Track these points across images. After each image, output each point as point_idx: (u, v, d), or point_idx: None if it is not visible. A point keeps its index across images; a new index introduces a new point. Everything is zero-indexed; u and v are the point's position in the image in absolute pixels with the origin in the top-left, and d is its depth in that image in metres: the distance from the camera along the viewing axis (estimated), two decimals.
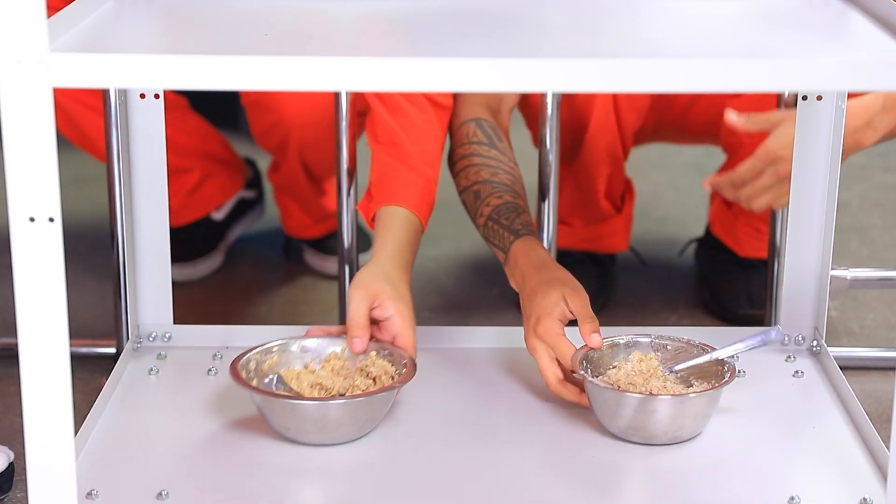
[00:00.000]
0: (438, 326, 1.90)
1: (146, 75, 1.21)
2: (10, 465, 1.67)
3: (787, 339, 1.81)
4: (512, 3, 1.52)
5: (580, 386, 1.63)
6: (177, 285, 1.92)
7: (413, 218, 1.75)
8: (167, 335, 1.82)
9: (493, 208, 1.78)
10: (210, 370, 1.74)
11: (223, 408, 1.64)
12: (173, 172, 2.34)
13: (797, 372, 1.76)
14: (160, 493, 1.44)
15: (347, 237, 1.95)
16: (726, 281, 2.27)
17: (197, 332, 1.82)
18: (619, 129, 2.15)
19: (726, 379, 1.58)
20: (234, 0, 1.52)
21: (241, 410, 1.63)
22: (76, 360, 1.76)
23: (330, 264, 2.43)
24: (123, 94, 1.75)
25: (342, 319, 1.93)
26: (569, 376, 1.64)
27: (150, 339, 1.82)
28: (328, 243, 2.44)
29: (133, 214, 1.80)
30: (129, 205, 1.79)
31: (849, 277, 1.91)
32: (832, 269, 1.81)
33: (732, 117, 1.81)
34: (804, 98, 1.74)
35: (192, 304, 2.29)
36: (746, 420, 1.63)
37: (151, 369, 1.74)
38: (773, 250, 1.97)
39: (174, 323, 1.83)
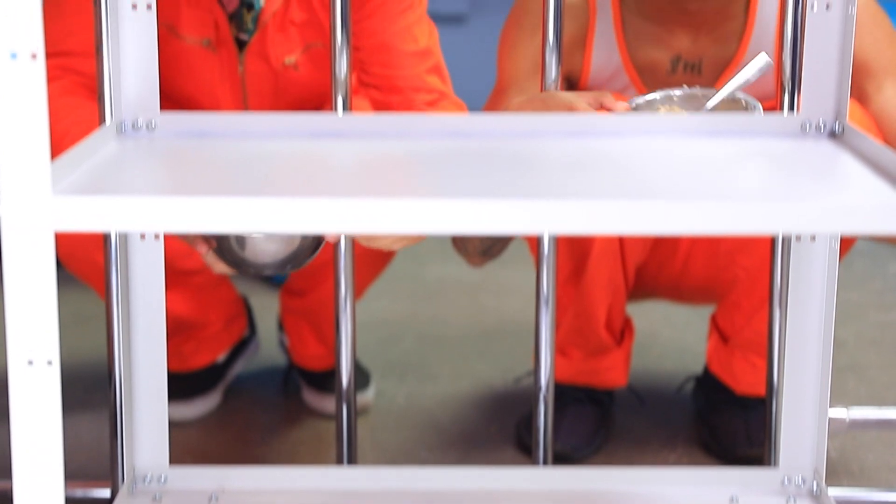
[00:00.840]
0: (437, 467, 1.88)
1: (150, 218, 1.22)
2: None
3: (787, 480, 1.80)
4: (509, 143, 1.54)
5: None
6: (173, 425, 1.92)
7: None
8: (163, 477, 1.81)
9: None
10: None
11: None
12: (186, 327, 2.37)
13: None
14: None
15: (346, 375, 1.95)
16: (725, 421, 2.26)
17: (193, 473, 1.81)
18: (623, 257, 2.15)
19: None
20: (234, 140, 1.55)
21: None
22: (72, 503, 1.75)
23: (328, 403, 2.42)
24: (124, 234, 1.77)
25: (340, 459, 1.92)
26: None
27: (146, 481, 1.81)
28: (330, 381, 2.44)
29: (131, 355, 1.80)
30: (127, 346, 1.79)
31: (848, 420, 1.91)
32: (831, 409, 1.80)
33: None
34: (797, 238, 1.75)
35: (188, 445, 2.27)
36: None
37: None
38: (771, 389, 1.97)
39: (170, 464, 1.82)
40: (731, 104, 1.75)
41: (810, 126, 1.58)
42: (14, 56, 1.13)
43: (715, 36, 1.99)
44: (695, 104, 1.77)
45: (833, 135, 1.58)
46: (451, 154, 1.51)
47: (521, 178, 1.40)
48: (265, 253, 1.68)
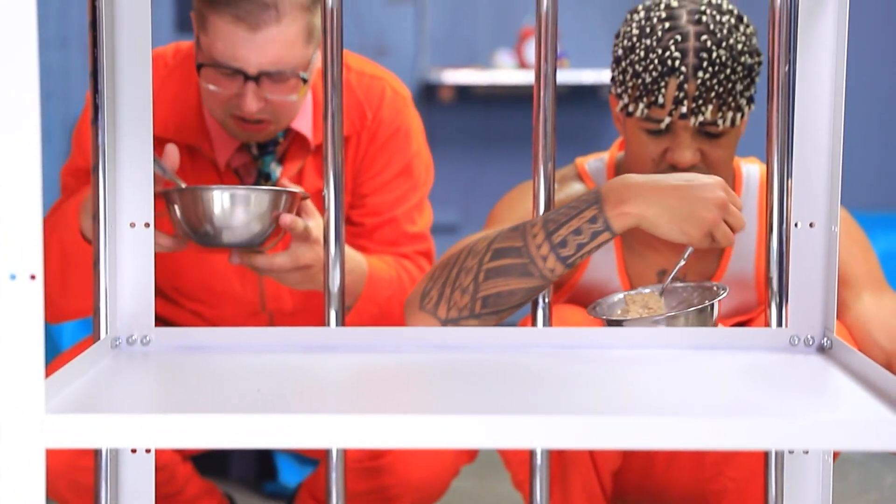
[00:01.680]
0: None
1: (141, 435, 1.22)
2: None
3: None
4: (498, 356, 1.56)
5: None
6: None
7: None
8: None
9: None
10: None
11: None
12: None
13: None
14: None
15: None
16: None
17: None
18: (594, 464, 2.13)
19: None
20: (226, 354, 1.56)
21: None
22: None
23: None
24: (115, 448, 1.76)
25: None
26: None
27: None
28: None
29: None
30: None
31: None
32: None
33: None
34: (790, 451, 1.75)
35: None
36: None
37: None
38: None
39: None
40: (704, 290, 1.80)
41: (798, 340, 1.60)
42: (13, 277, 1.15)
43: (695, 255, 2.03)
44: (675, 297, 1.82)
45: (822, 349, 1.59)
46: (443, 366, 1.51)
47: (513, 392, 1.41)
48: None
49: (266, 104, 2.03)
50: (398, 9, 4.80)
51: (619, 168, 2.06)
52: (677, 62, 1.89)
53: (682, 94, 1.89)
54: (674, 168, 1.91)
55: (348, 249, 2.08)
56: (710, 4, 1.95)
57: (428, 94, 4.81)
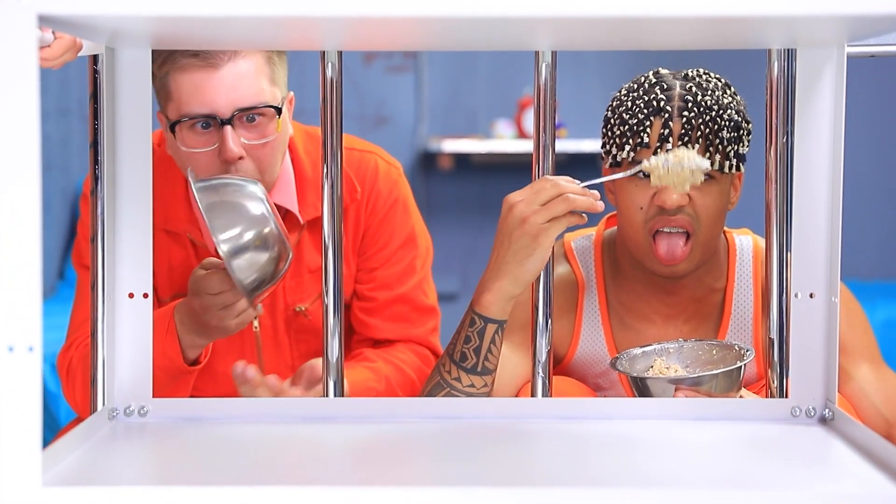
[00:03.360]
0: None
1: None
2: None
3: None
4: (497, 425, 1.55)
5: None
6: None
7: None
8: None
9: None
10: None
11: None
12: None
13: None
14: None
15: None
16: None
17: None
18: None
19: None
20: (224, 424, 1.55)
21: None
22: None
23: None
24: None
25: None
26: None
27: None
28: None
29: None
30: None
31: None
32: None
33: None
34: None
35: None
36: None
37: None
38: None
39: None
40: (725, 350, 1.79)
41: (800, 411, 1.59)
42: (11, 349, 1.14)
43: (692, 326, 2.03)
44: (688, 355, 1.81)
45: (823, 420, 1.58)
46: (442, 437, 1.51)
47: (512, 464, 1.40)
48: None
49: (247, 149, 2.01)
50: (398, 78, 4.84)
51: (606, 244, 2.06)
52: (662, 103, 1.90)
53: (667, 132, 1.88)
54: (662, 212, 1.90)
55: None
56: (698, 73, 1.96)
57: (427, 163, 4.83)
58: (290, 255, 1.82)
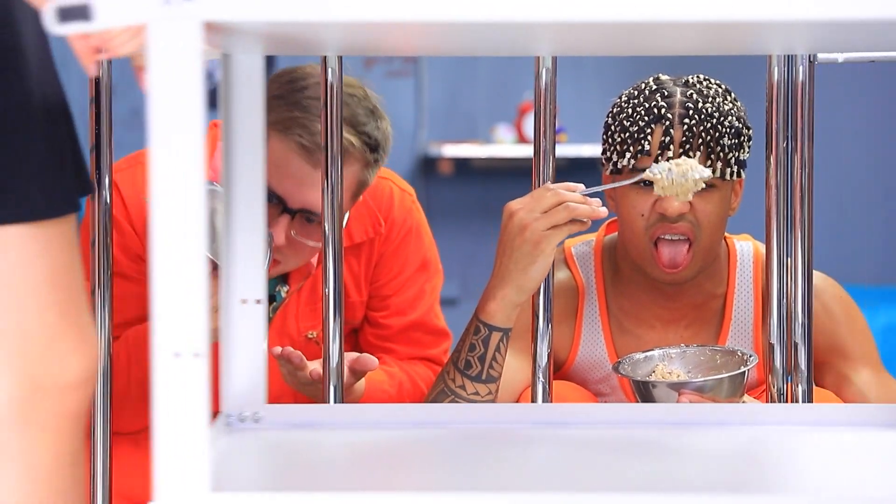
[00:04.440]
0: None
1: None
2: None
3: None
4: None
5: None
6: None
7: None
8: None
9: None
10: None
11: None
12: None
13: None
14: None
15: None
16: None
17: None
18: None
19: None
20: (339, 431, 1.50)
21: None
22: None
23: None
24: None
25: None
26: None
27: None
28: None
29: None
30: None
31: None
32: None
33: None
34: None
35: None
36: None
37: None
38: None
39: None
40: (728, 355, 1.78)
41: None
42: (178, 355, 1.14)
43: (692, 331, 2.03)
44: (691, 360, 1.81)
45: None
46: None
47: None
48: None
49: (290, 244, 1.97)
50: (398, 83, 4.84)
51: (606, 250, 2.05)
52: (663, 110, 1.90)
53: (668, 139, 1.88)
54: (663, 219, 1.90)
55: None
56: (698, 80, 1.96)
57: (427, 168, 4.83)
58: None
